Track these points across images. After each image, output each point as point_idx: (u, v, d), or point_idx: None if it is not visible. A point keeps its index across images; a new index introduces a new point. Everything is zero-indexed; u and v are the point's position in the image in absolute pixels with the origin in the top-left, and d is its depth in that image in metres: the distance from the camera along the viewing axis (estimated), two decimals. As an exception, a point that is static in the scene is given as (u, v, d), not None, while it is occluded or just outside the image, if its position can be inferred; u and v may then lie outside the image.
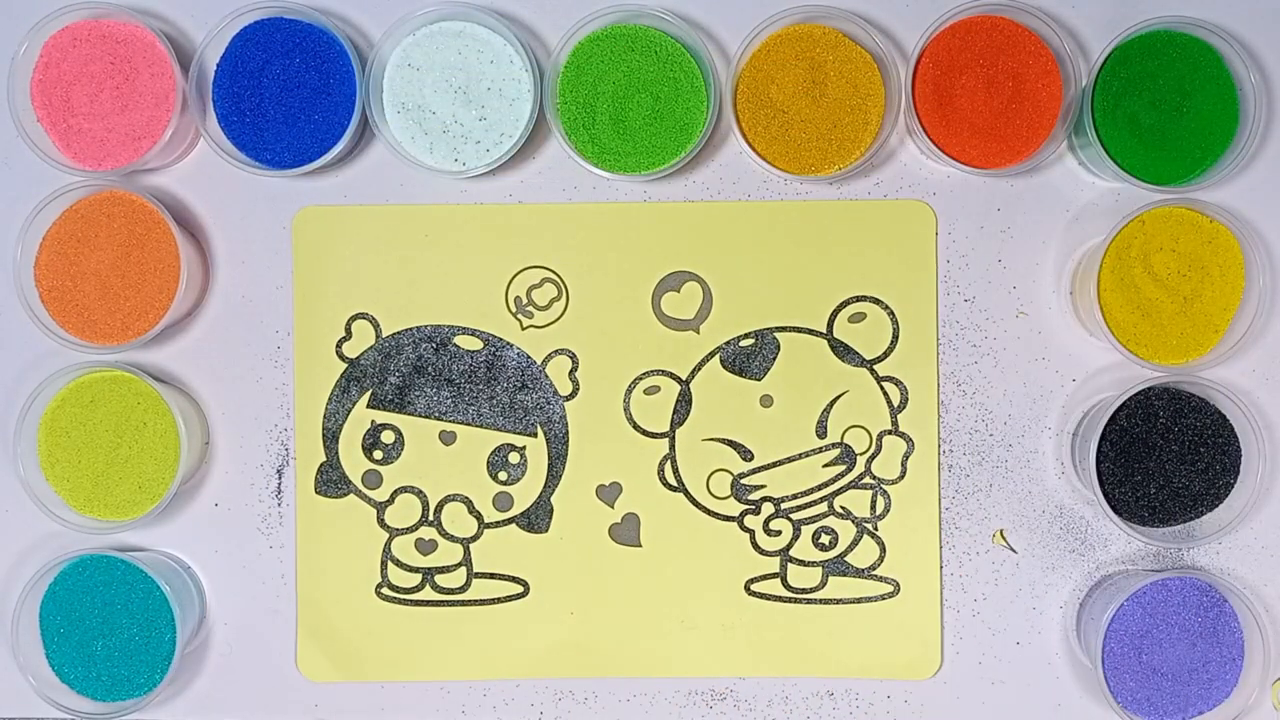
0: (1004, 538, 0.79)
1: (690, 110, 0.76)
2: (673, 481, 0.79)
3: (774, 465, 0.79)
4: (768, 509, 0.79)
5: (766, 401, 0.79)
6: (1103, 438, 0.75)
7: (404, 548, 0.80)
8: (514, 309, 0.80)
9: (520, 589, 0.79)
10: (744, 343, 0.79)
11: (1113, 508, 0.75)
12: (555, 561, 0.79)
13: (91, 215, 0.77)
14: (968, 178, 0.79)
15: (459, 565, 0.80)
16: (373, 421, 0.79)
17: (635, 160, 0.76)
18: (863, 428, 0.79)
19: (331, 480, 0.80)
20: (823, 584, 0.79)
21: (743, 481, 0.79)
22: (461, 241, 0.80)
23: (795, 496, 0.79)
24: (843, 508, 0.79)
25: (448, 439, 0.79)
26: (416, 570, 0.80)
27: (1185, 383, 0.76)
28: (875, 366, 0.79)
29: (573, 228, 0.79)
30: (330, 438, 0.79)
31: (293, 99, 0.77)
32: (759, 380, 0.79)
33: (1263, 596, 0.78)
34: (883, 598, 0.79)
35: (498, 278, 0.79)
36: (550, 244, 0.79)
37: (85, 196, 0.77)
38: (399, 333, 0.79)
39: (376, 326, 0.79)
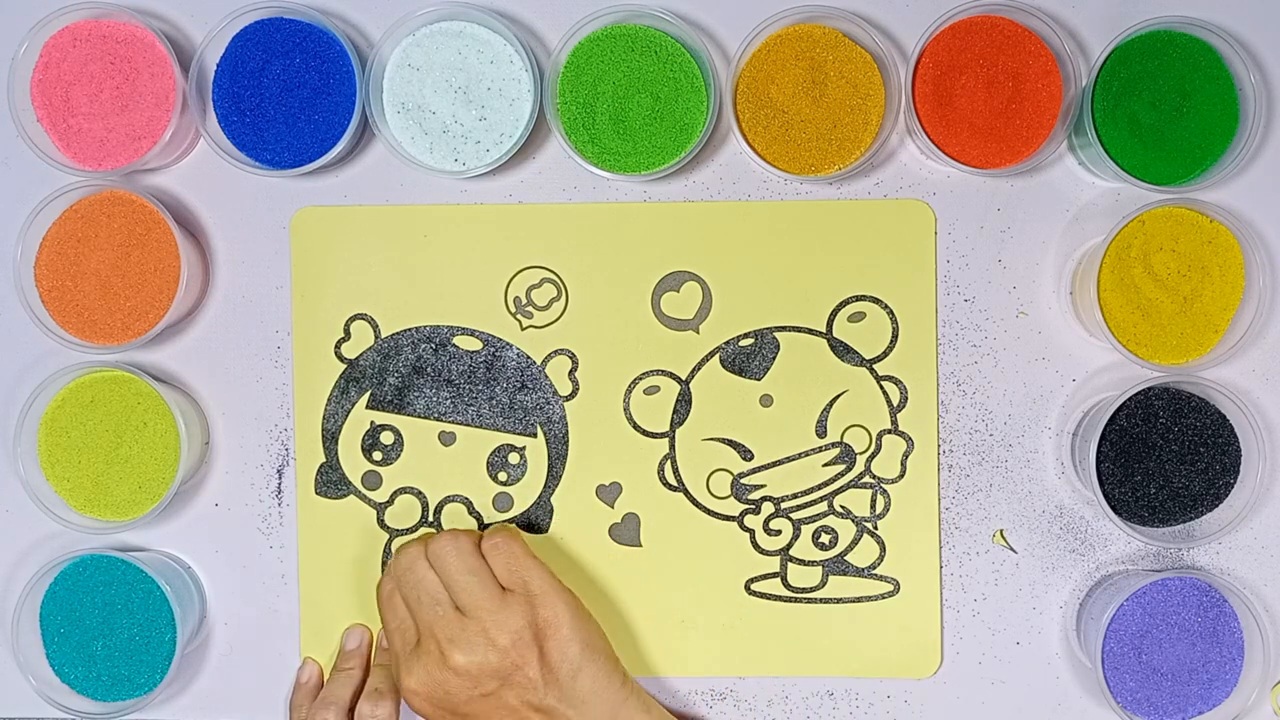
0: (1004, 538, 0.79)
1: (690, 110, 0.76)
2: (673, 481, 0.79)
3: (774, 465, 0.79)
4: (768, 509, 0.79)
5: (766, 401, 0.79)
6: (1103, 438, 0.75)
7: (404, 548, 0.80)
8: (514, 309, 0.80)
9: (520, 589, 0.79)
10: (744, 343, 0.79)
11: (1113, 508, 0.75)
12: (555, 561, 0.79)
13: (91, 215, 0.77)
14: (968, 178, 0.79)
15: (459, 565, 0.80)
16: (372, 422, 0.79)
17: (635, 160, 0.76)
18: (862, 427, 0.79)
19: (331, 481, 0.80)
20: (823, 583, 0.79)
21: (743, 481, 0.79)
22: (461, 241, 0.80)
23: (795, 496, 0.79)
24: (843, 507, 0.79)
25: (447, 440, 0.79)
26: (416, 570, 0.80)
27: (1185, 383, 0.76)
28: (875, 366, 0.79)
29: (573, 228, 0.79)
30: (329, 439, 0.79)
31: (293, 99, 0.77)
32: (759, 380, 0.79)
33: (1263, 596, 0.78)
34: (882, 597, 0.79)
35: (497, 278, 0.79)
36: (550, 244, 0.79)
37: (85, 196, 0.77)
38: (398, 333, 0.79)
39: (375, 327, 0.79)
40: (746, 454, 0.79)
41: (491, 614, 0.71)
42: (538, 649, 0.71)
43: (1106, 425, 0.75)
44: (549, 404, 0.79)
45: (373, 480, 0.79)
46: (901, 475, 0.79)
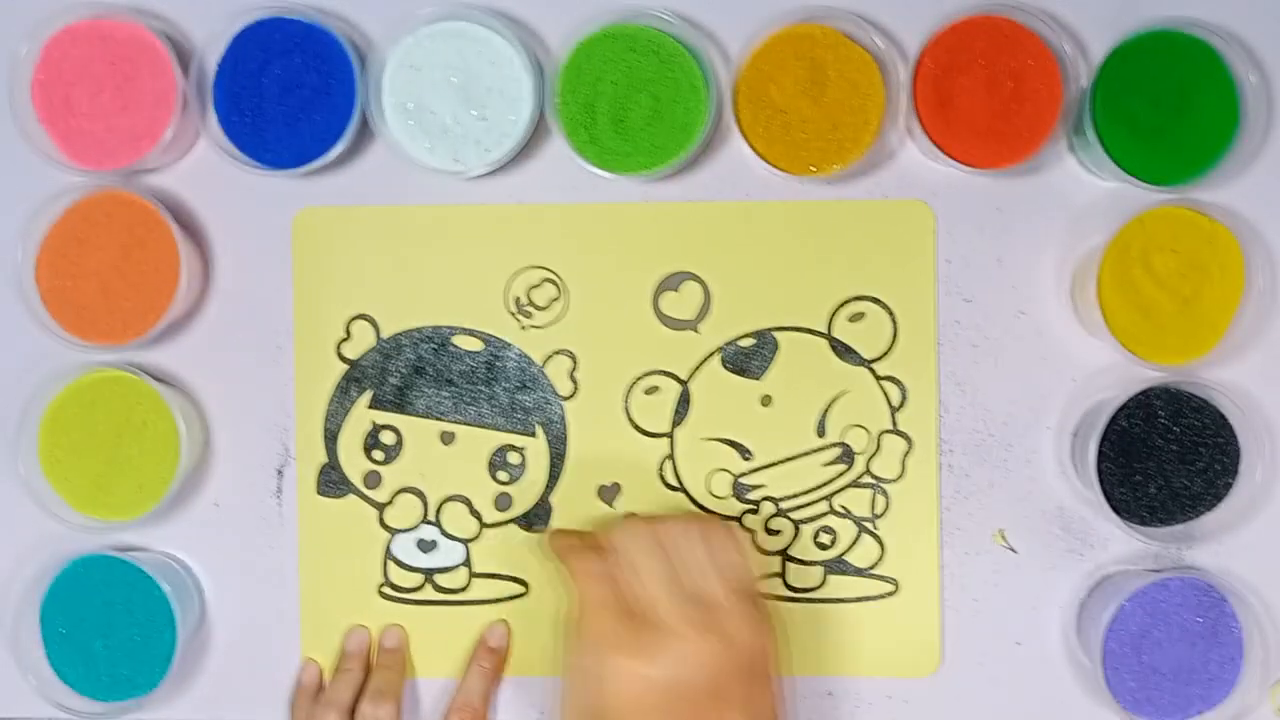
0: (1004, 538, 0.79)
1: (690, 110, 0.76)
2: (673, 481, 0.79)
3: (774, 465, 0.79)
4: (768, 509, 0.79)
5: (766, 401, 0.79)
6: (1103, 438, 0.75)
7: (404, 547, 0.80)
8: (514, 309, 0.80)
9: (521, 589, 0.79)
10: (744, 343, 0.79)
11: (1113, 508, 0.75)
12: (556, 561, 0.79)
13: (91, 215, 0.77)
14: (968, 178, 0.79)
15: (459, 565, 0.80)
16: (373, 422, 0.79)
17: (635, 160, 0.76)
18: (862, 427, 0.79)
19: (332, 481, 0.80)
20: (823, 583, 0.79)
21: (743, 481, 0.79)
22: (461, 242, 0.80)
23: (795, 496, 0.79)
24: (842, 507, 0.79)
25: (447, 439, 0.79)
26: (417, 570, 0.80)
27: (1185, 383, 0.76)
28: (875, 366, 0.79)
29: (573, 228, 0.79)
30: (330, 438, 0.79)
31: (293, 99, 0.77)
32: (759, 380, 0.79)
33: (1263, 596, 0.78)
34: (882, 597, 0.79)
35: (497, 278, 0.80)
36: (550, 244, 0.79)
37: (85, 196, 0.77)
38: (399, 333, 0.79)
39: (376, 327, 0.79)
40: (746, 454, 0.79)
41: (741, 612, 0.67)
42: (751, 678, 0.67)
43: (1106, 425, 0.75)
44: (549, 404, 0.79)
45: (373, 480, 0.80)
46: (901, 475, 0.79)
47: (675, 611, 0.66)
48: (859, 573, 0.79)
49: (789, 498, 0.79)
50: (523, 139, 0.76)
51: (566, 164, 0.79)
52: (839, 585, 0.79)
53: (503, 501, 0.80)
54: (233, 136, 0.77)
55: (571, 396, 0.79)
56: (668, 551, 0.69)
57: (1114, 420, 0.75)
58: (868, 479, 0.79)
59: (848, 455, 0.79)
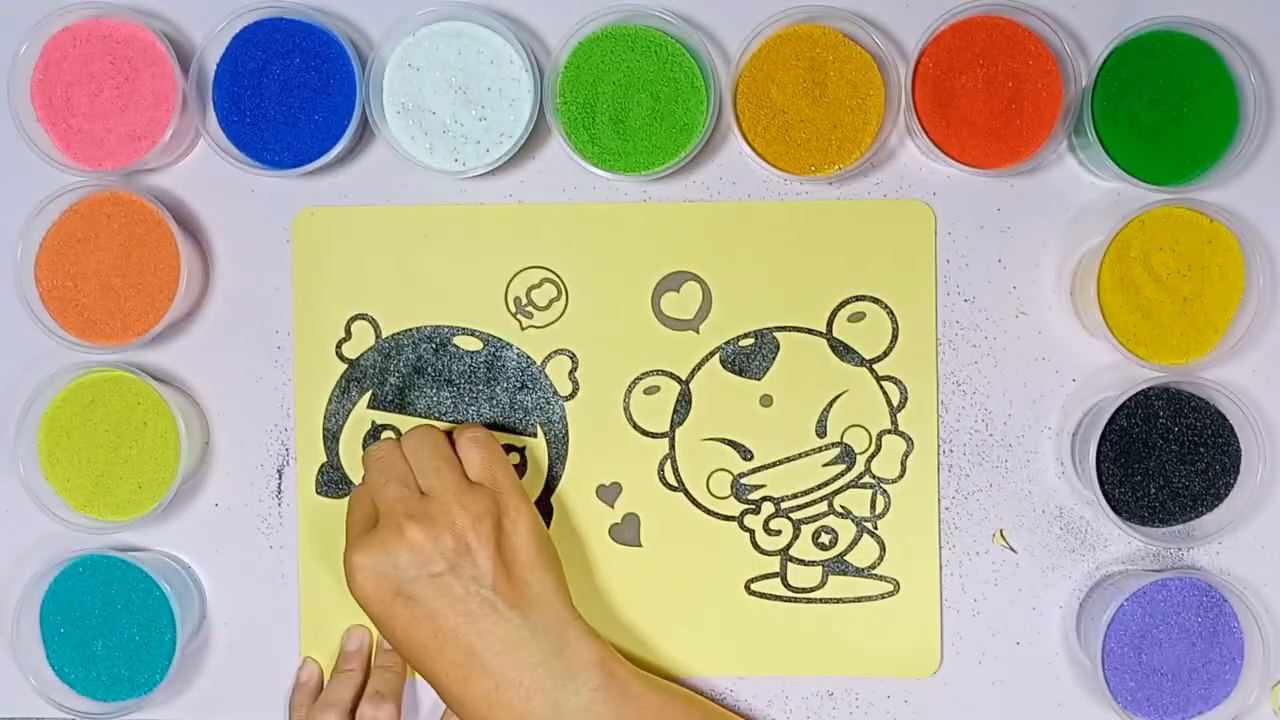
0: (1004, 538, 0.79)
1: (690, 110, 0.76)
2: (673, 481, 0.79)
3: (774, 465, 0.79)
4: (768, 509, 0.79)
5: (766, 401, 0.79)
6: (1103, 438, 0.75)
7: (404, 548, 0.80)
8: (514, 309, 0.80)
9: (520, 589, 0.79)
10: (744, 343, 0.79)
11: (1113, 508, 0.75)
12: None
13: (91, 215, 0.77)
14: (968, 178, 0.79)
15: (459, 565, 0.80)
16: (373, 422, 0.79)
17: (635, 160, 0.76)
18: (862, 427, 0.79)
19: (332, 480, 0.80)
20: (823, 583, 0.79)
21: (743, 481, 0.79)
22: (461, 242, 0.80)
23: (795, 496, 0.79)
24: (843, 507, 0.79)
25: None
26: (416, 570, 0.80)
27: (1185, 383, 0.76)
28: (875, 366, 0.79)
29: (573, 228, 0.79)
30: (331, 438, 0.79)
31: (293, 99, 0.77)
32: (759, 380, 0.79)
33: (1263, 596, 0.78)
34: (882, 597, 0.79)
35: (497, 278, 0.80)
36: (550, 244, 0.79)
37: (85, 196, 0.77)
38: (399, 333, 0.79)
39: (376, 327, 0.79)
40: (746, 454, 0.79)
41: (456, 496, 0.71)
42: (494, 540, 0.71)
43: (1106, 425, 0.75)
44: (549, 404, 0.79)
45: (373, 480, 0.79)
46: (901, 475, 0.79)
47: (398, 508, 0.71)
48: (859, 573, 0.79)
49: (789, 498, 0.79)
50: (522, 139, 0.76)
51: (566, 164, 0.79)
52: (839, 585, 0.79)
53: (503, 501, 0.80)
54: (233, 136, 0.78)
55: (571, 396, 0.79)
56: (409, 459, 0.74)
57: (1114, 420, 0.75)
58: (868, 479, 0.79)
59: (848, 455, 0.79)
